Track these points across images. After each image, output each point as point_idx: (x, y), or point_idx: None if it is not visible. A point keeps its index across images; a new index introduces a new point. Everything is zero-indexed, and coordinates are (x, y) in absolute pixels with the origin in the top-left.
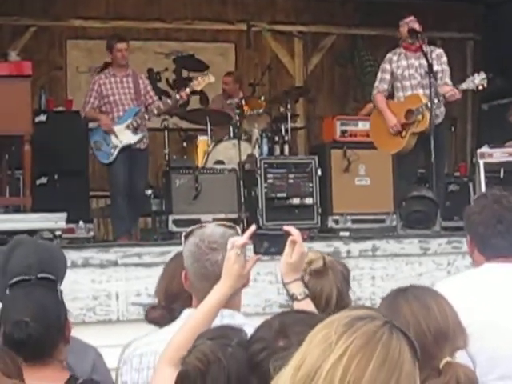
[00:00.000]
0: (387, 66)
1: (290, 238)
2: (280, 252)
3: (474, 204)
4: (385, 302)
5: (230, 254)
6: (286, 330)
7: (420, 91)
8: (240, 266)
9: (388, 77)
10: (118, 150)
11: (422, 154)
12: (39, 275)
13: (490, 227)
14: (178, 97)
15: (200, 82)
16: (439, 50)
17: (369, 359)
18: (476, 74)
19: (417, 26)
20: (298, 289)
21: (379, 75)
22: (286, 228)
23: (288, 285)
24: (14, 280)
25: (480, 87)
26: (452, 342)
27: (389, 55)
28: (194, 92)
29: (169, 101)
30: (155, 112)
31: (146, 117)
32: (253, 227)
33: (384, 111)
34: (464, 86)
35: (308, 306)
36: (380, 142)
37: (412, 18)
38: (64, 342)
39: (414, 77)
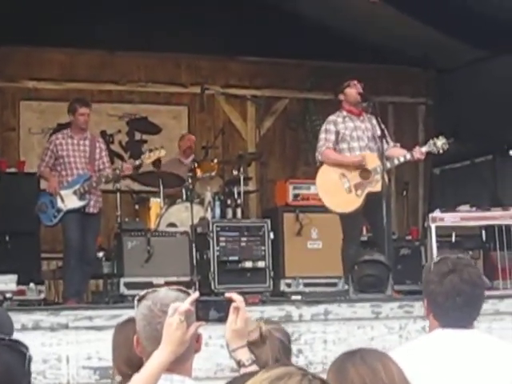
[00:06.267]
0: (332, 127)
1: (233, 305)
2: (225, 319)
3: (433, 270)
4: (333, 367)
5: (172, 320)
6: None
7: (367, 153)
8: (182, 332)
9: (333, 137)
10: (61, 213)
11: (361, 217)
12: (11, 337)
13: (449, 300)
14: (125, 168)
15: (151, 155)
16: (378, 118)
17: None
18: (435, 138)
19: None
20: (244, 355)
21: (323, 136)
22: (228, 295)
23: (234, 351)
24: None
25: (441, 151)
26: None
27: (332, 117)
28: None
29: (117, 171)
30: (103, 181)
31: (94, 185)
32: (195, 294)
33: (342, 157)
34: (426, 148)
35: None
36: (333, 203)
37: (356, 82)
38: None
39: (362, 139)
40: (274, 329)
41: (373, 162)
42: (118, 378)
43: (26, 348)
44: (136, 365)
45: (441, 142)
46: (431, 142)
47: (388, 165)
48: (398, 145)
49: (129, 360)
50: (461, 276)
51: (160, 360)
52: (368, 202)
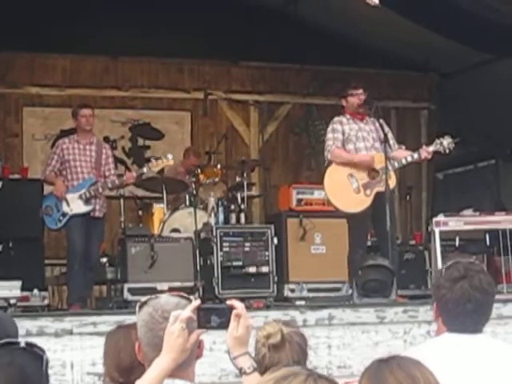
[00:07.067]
0: (338, 127)
1: (235, 312)
2: (226, 325)
3: (444, 274)
4: (367, 374)
5: (174, 328)
6: None
7: (374, 153)
8: (184, 340)
9: (341, 136)
10: (67, 217)
11: (369, 223)
12: (28, 341)
13: (460, 306)
14: (134, 175)
15: (158, 163)
16: (381, 120)
17: None
18: (442, 138)
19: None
20: (246, 362)
21: (331, 135)
22: (229, 302)
23: (236, 359)
24: (2, 342)
25: (447, 150)
26: None
27: (337, 118)
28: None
29: (125, 177)
30: (109, 186)
31: (100, 190)
32: (196, 302)
33: (353, 156)
34: (433, 147)
35: (256, 379)
36: (341, 203)
37: (361, 90)
38: None
39: (368, 139)
40: (293, 332)
41: (381, 162)
42: None
43: (43, 351)
44: (126, 372)
45: (447, 142)
46: (437, 141)
47: (396, 164)
48: (403, 147)
49: (118, 367)
50: (471, 282)
51: (161, 368)
52: (372, 206)
